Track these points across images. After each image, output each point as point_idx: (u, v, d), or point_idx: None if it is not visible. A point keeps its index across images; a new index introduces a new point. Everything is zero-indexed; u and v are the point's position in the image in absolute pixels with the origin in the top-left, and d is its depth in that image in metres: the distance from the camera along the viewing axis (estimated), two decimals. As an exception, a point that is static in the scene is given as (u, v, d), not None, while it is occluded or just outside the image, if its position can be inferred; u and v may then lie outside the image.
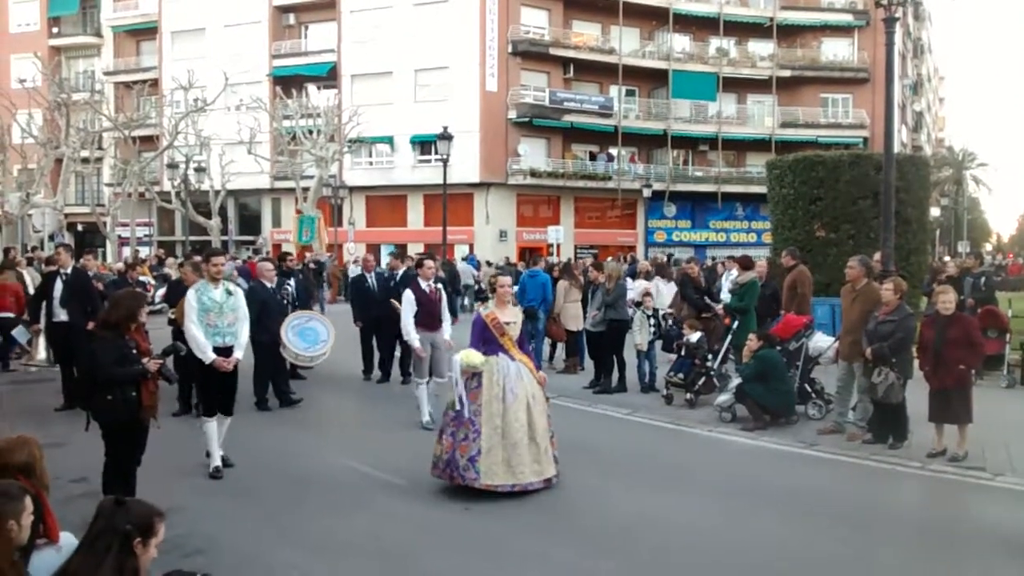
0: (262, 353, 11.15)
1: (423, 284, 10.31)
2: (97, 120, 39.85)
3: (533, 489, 7.22)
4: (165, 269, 22.14)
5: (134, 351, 6.31)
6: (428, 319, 10.14)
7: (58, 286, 11.09)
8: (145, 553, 3.19)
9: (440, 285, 10.80)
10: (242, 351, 7.94)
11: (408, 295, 10.16)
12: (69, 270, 11.20)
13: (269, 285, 11.55)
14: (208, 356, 7.61)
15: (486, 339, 7.57)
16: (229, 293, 7.91)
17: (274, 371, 11.44)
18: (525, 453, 7.22)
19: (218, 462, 7.96)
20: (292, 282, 13.02)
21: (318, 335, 11.25)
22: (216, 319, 7.76)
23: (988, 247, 76.37)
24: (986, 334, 12.21)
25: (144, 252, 35.82)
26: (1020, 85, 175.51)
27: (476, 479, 7.10)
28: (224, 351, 7.74)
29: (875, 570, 5.86)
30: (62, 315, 11.02)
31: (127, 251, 35.56)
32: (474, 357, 7.38)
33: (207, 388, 7.95)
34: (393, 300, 12.63)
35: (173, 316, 11.80)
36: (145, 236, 43.24)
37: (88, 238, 44.57)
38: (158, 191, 40.05)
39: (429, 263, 10.67)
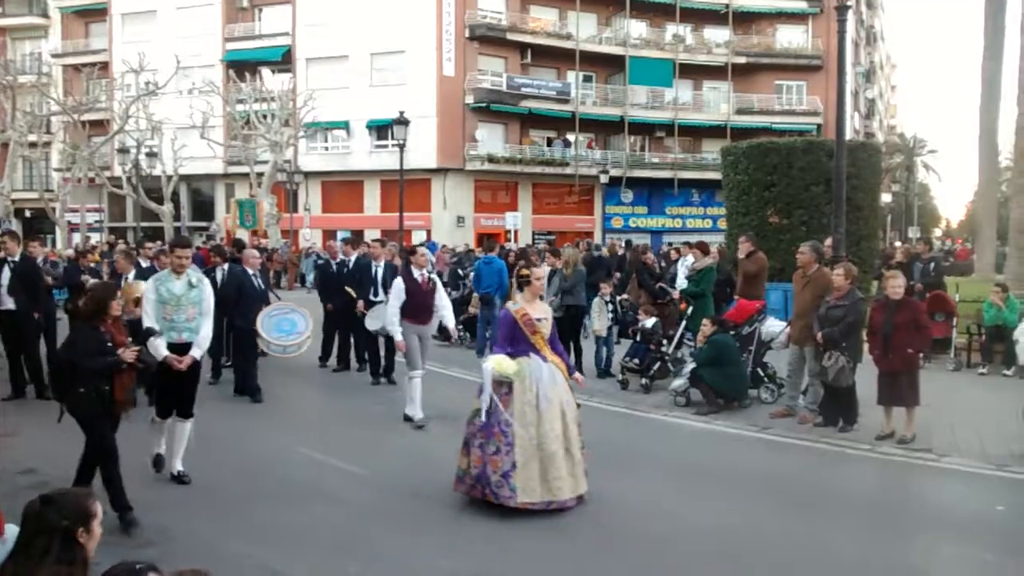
0: (237, 338, 11.04)
1: (415, 273, 9.67)
2: (45, 103, 38.96)
3: (568, 507, 6.54)
4: (115, 256, 21.75)
5: (108, 344, 6.15)
6: (419, 311, 9.57)
7: (5, 274, 10.79)
8: (91, 538, 3.14)
9: (436, 275, 10.15)
10: (201, 350, 7.33)
11: (398, 284, 9.57)
12: (17, 258, 10.92)
13: (251, 272, 11.24)
14: (160, 352, 6.99)
15: (515, 338, 6.79)
16: (191, 286, 7.32)
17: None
18: (562, 466, 6.52)
19: (160, 449, 7.53)
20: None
21: (295, 325, 10.93)
22: (173, 313, 7.21)
23: (937, 233, 77.84)
24: (934, 318, 12.48)
25: (94, 239, 35.16)
26: (969, 73, 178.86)
27: (511, 497, 6.37)
28: (181, 348, 7.18)
29: (825, 550, 5.96)
30: (9, 303, 10.74)
31: (77, 237, 34.88)
32: (507, 365, 6.60)
33: (161, 387, 7.40)
34: (348, 288, 12.56)
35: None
36: (95, 222, 42.49)
37: (37, 224, 43.66)
38: (109, 176, 39.32)
39: (423, 250, 10.05)
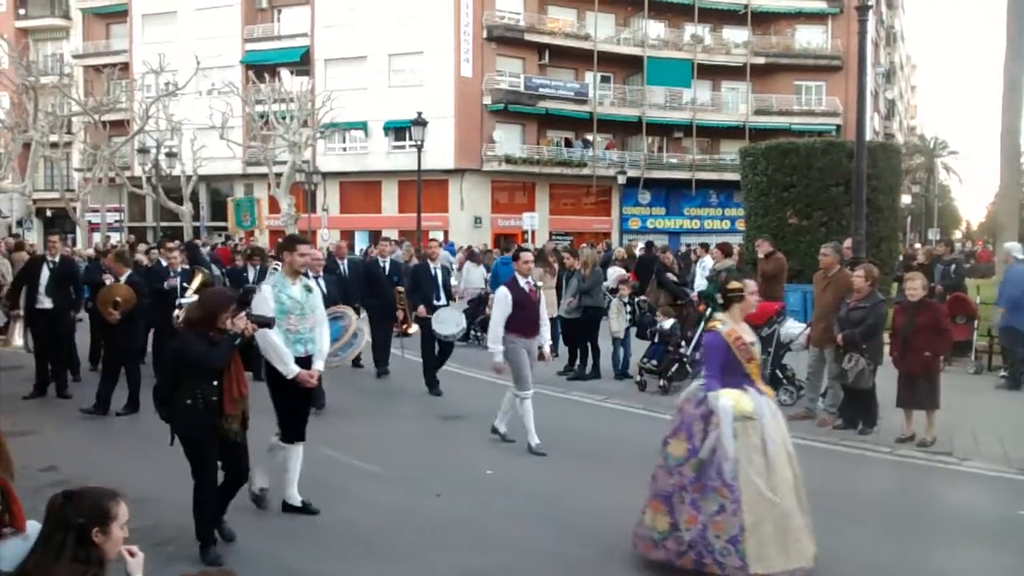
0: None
1: (521, 281, 8.62)
2: (66, 104, 39.25)
3: None
4: (136, 255, 21.88)
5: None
6: (526, 324, 8.49)
7: (44, 273, 10.82)
8: (107, 540, 3.14)
9: (540, 283, 9.09)
10: (323, 361, 6.56)
11: (503, 294, 8.53)
12: (57, 258, 10.98)
13: (312, 275, 10.38)
14: (291, 369, 6.19)
15: (728, 367, 5.50)
16: (308, 290, 6.47)
17: None
18: (801, 523, 5.32)
19: (265, 484, 6.66)
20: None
21: (338, 323, 10.25)
22: (298, 323, 6.32)
23: (958, 234, 77.23)
24: (955, 320, 12.37)
25: (115, 238, 35.40)
26: (991, 74, 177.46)
27: (743, 568, 5.11)
28: (305, 362, 6.35)
29: (845, 553, 5.91)
30: (46, 303, 10.73)
31: (97, 237, 35.14)
32: (744, 402, 5.37)
33: (285, 407, 6.52)
34: (399, 288, 12.19)
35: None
36: (116, 222, 42.76)
37: (57, 223, 44.01)
38: (129, 176, 39.58)
39: (527, 256, 8.88)
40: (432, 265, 11.73)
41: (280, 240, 7.43)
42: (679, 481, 5.41)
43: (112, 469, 6.99)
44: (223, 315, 5.51)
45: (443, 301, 11.48)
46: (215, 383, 5.50)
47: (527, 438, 8.40)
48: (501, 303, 8.48)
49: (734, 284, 5.77)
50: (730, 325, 5.64)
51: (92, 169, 37.93)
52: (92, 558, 3.09)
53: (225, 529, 5.89)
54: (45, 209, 45.00)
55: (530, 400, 8.48)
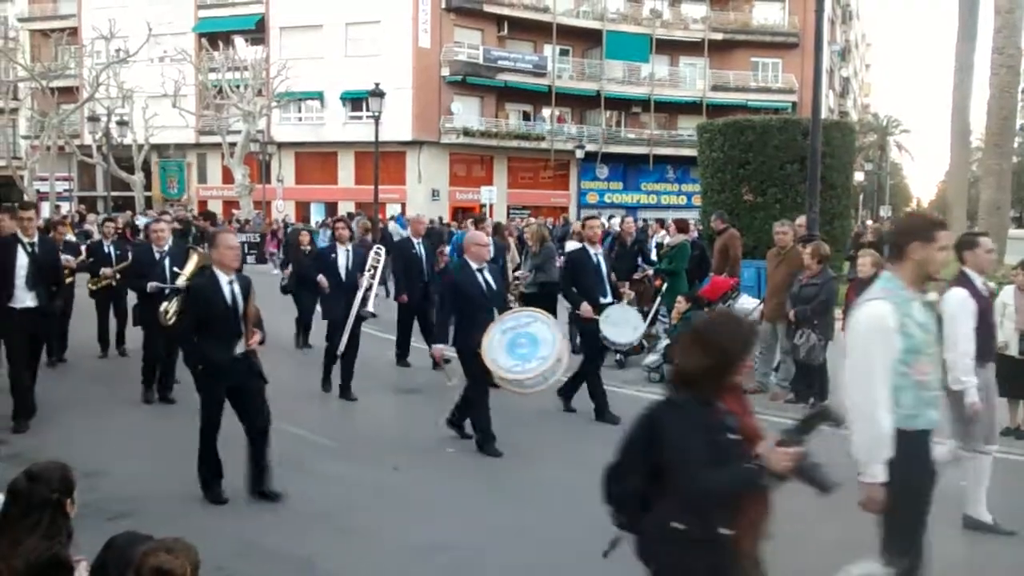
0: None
1: (977, 282, 5.80)
2: (12, 69, 38.23)
3: None
4: (86, 226, 21.44)
5: (731, 435, 3.16)
6: (984, 343, 5.78)
7: (20, 260, 7.79)
8: (73, 511, 3.23)
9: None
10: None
11: (965, 301, 5.52)
12: (36, 240, 7.99)
13: (475, 266, 7.71)
14: (873, 472, 3.84)
15: None
16: (932, 309, 4.05)
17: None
18: None
19: None
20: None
21: (536, 345, 7.39)
22: (929, 368, 3.82)
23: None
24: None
25: (64, 208, 34.69)
26: (943, 54, 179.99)
27: None
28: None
29: (795, 527, 6.04)
30: (28, 300, 7.84)
31: (46, 207, 34.40)
32: None
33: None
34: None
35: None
36: (65, 191, 41.88)
37: (3, 192, 42.97)
38: (78, 145, 38.76)
39: (987, 242, 6.06)
40: (593, 251, 9.00)
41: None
42: None
43: (64, 442, 6.88)
44: (741, 363, 3.24)
45: (609, 298, 9.05)
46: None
47: (975, 511, 6.23)
48: (968, 317, 5.49)
49: None
50: None
51: (40, 137, 37.06)
52: (62, 531, 3.16)
53: None
54: (-9, 177, 43.93)
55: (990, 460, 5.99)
